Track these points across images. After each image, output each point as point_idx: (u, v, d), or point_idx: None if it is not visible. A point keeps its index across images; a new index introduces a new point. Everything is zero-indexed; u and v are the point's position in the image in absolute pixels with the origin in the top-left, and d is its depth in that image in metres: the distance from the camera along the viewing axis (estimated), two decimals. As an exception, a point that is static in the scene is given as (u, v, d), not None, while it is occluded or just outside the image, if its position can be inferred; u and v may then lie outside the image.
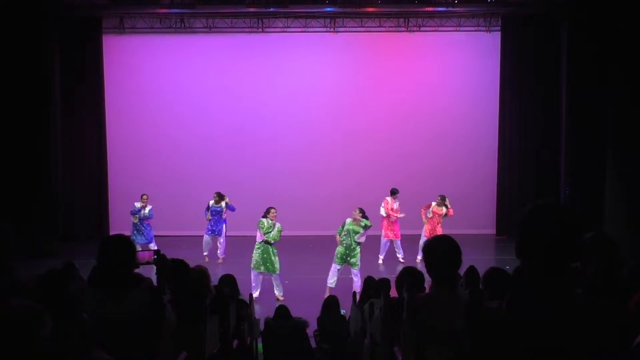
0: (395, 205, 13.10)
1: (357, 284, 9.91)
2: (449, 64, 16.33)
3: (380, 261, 13.06)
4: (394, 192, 13.19)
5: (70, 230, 15.53)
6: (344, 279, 10.58)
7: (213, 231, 13.11)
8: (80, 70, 15.59)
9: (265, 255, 10.19)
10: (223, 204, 13.04)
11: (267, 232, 10.22)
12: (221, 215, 13.09)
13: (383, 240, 13.14)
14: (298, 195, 16.00)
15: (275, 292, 10.32)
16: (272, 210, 10.36)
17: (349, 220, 10.49)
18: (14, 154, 13.70)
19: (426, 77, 16.32)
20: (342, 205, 15.26)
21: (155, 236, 13.23)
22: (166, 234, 15.08)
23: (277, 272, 10.28)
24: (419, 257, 12.52)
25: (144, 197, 13.12)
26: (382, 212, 13.09)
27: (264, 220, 10.33)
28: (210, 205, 13.12)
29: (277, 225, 10.31)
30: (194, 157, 16.31)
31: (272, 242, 10.22)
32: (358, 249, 10.41)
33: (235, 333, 5.82)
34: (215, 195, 13.12)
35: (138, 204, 13.04)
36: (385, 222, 13.14)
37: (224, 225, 13.23)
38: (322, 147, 16.28)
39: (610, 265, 3.44)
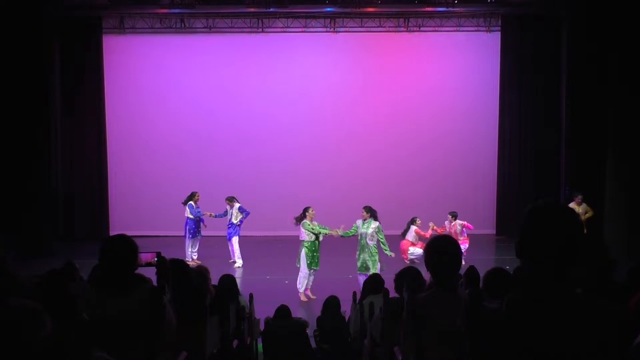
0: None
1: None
2: (449, 63, 16.32)
3: None
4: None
5: (70, 230, 15.54)
6: (344, 279, 10.59)
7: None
8: (80, 70, 15.59)
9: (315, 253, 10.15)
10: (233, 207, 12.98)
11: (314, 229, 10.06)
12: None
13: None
14: (298, 195, 15.96)
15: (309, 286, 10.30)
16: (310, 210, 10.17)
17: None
18: (14, 154, 13.69)
19: (426, 77, 16.32)
20: (342, 205, 15.29)
21: (155, 236, 13.16)
22: (166, 234, 15.10)
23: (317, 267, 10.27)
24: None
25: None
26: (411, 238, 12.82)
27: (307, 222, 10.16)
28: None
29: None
30: (194, 157, 16.31)
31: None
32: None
33: (235, 333, 5.82)
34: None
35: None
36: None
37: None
38: (322, 147, 16.28)
39: (601, 267, 3.46)
